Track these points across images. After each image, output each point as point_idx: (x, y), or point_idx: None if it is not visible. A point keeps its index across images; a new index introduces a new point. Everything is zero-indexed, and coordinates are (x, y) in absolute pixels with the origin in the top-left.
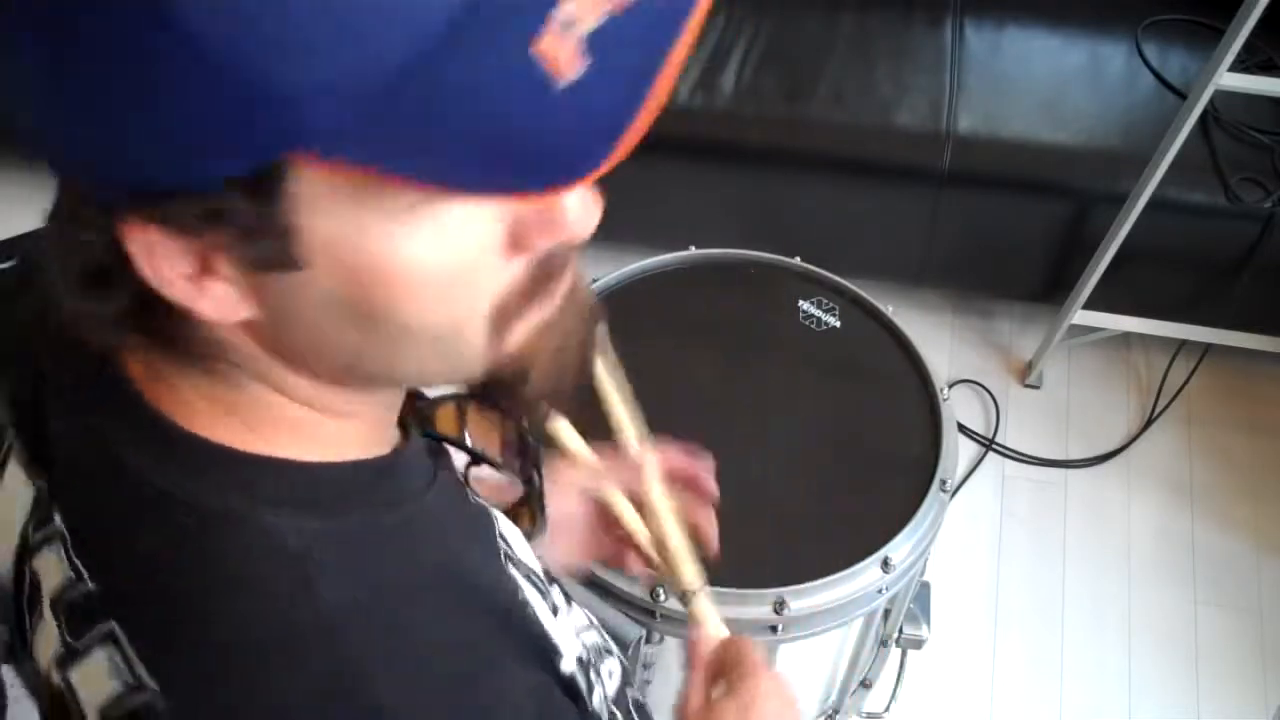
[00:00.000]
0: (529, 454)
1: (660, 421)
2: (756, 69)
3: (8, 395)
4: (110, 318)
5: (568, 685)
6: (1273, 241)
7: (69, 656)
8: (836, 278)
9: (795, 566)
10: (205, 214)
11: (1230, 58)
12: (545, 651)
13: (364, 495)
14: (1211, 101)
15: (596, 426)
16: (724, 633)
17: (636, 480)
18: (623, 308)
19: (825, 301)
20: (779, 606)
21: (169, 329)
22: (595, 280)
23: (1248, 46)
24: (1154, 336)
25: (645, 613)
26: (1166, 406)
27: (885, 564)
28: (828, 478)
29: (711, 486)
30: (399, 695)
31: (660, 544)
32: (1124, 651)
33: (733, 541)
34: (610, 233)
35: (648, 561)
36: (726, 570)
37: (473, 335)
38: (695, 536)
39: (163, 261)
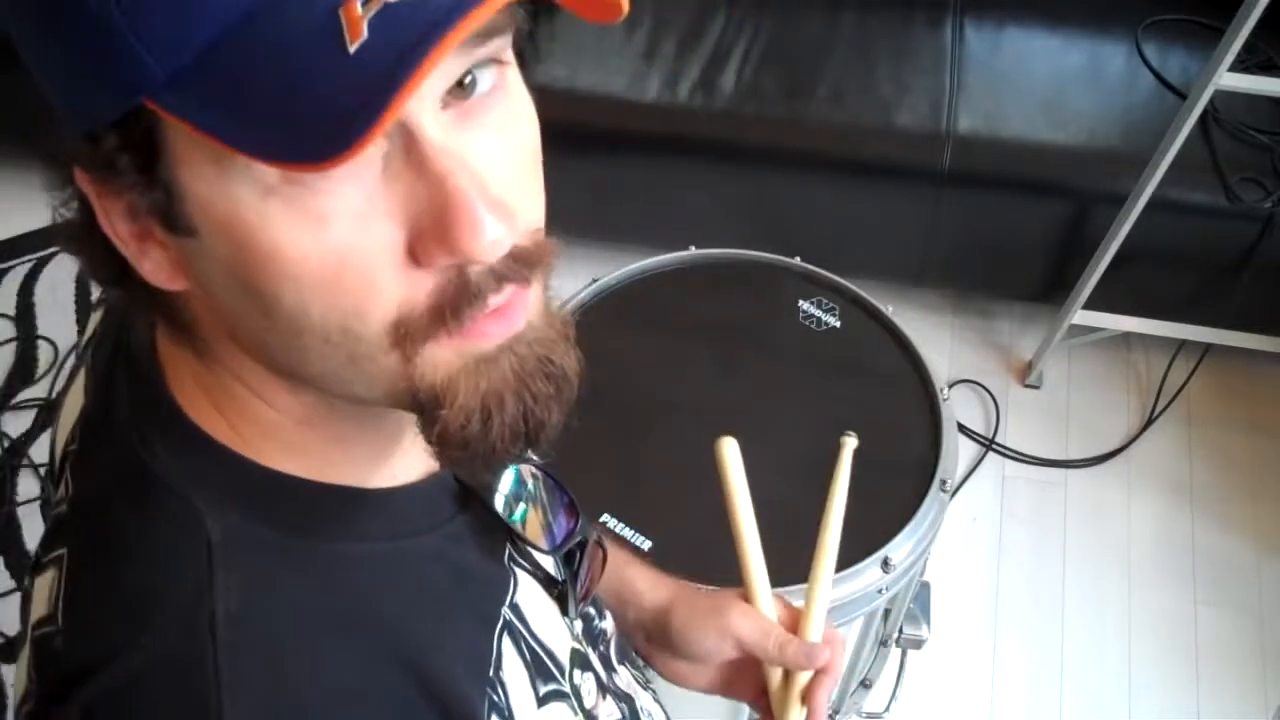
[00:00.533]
0: (574, 533)
1: (661, 422)
2: (756, 69)
3: (98, 319)
4: (89, 267)
5: None
6: (1273, 241)
7: (34, 566)
8: (836, 278)
9: (795, 566)
10: (102, 162)
11: (1230, 58)
12: None
13: (326, 518)
14: (1211, 101)
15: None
16: None
17: (800, 661)
18: (623, 308)
19: (825, 301)
20: None
21: (145, 295)
22: (595, 280)
23: (1248, 46)
24: (1154, 336)
25: None
26: (1166, 406)
27: (885, 564)
28: (828, 478)
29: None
30: (238, 713)
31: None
32: (1124, 651)
33: (733, 541)
34: (610, 233)
35: None
36: (727, 570)
37: (371, 344)
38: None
39: (116, 220)
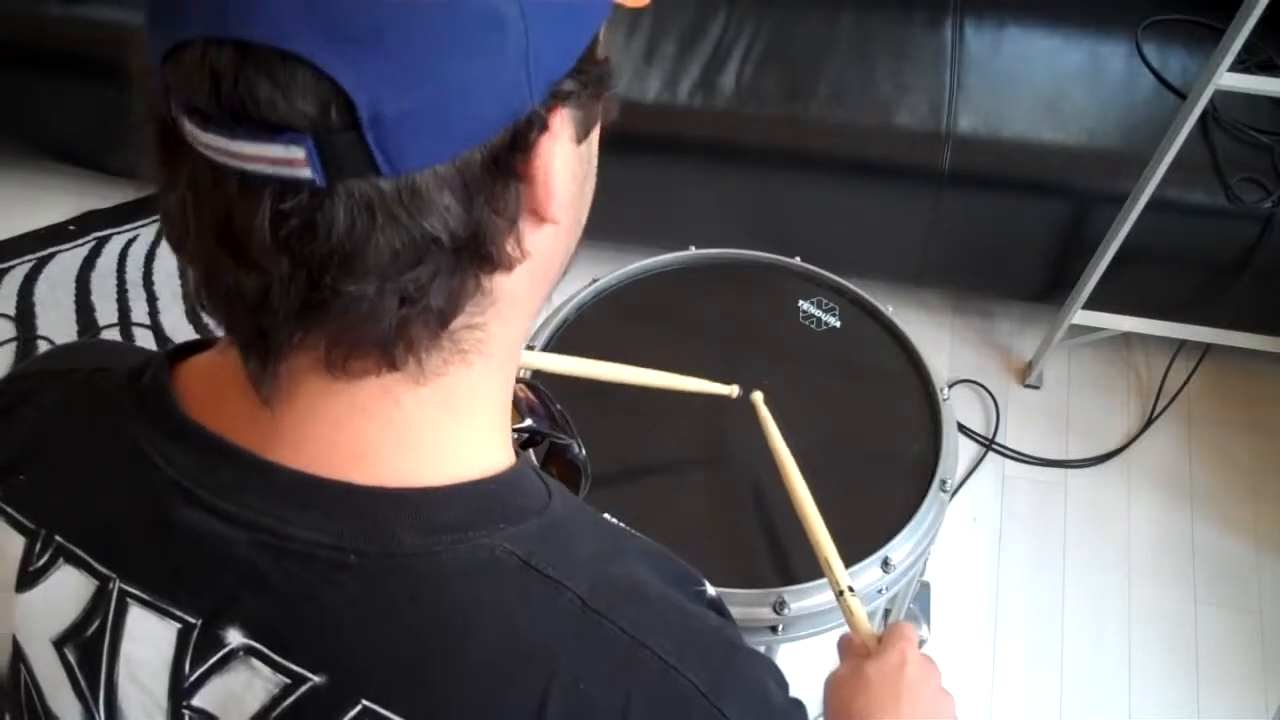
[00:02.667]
0: (561, 422)
1: (660, 421)
2: (756, 69)
3: (103, 543)
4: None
5: None
6: (1273, 241)
7: None
8: (836, 278)
9: (795, 566)
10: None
11: (1230, 58)
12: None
13: (529, 497)
14: (1211, 101)
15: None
16: (875, 631)
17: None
18: (623, 308)
19: (825, 301)
20: (779, 606)
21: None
22: (595, 280)
23: (1248, 46)
24: (1154, 336)
25: None
26: (1166, 406)
27: (885, 564)
28: (828, 477)
29: None
30: (674, 648)
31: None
32: (1124, 651)
33: (733, 541)
34: (610, 233)
35: None
36: (727, 570)
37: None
38: None
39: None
